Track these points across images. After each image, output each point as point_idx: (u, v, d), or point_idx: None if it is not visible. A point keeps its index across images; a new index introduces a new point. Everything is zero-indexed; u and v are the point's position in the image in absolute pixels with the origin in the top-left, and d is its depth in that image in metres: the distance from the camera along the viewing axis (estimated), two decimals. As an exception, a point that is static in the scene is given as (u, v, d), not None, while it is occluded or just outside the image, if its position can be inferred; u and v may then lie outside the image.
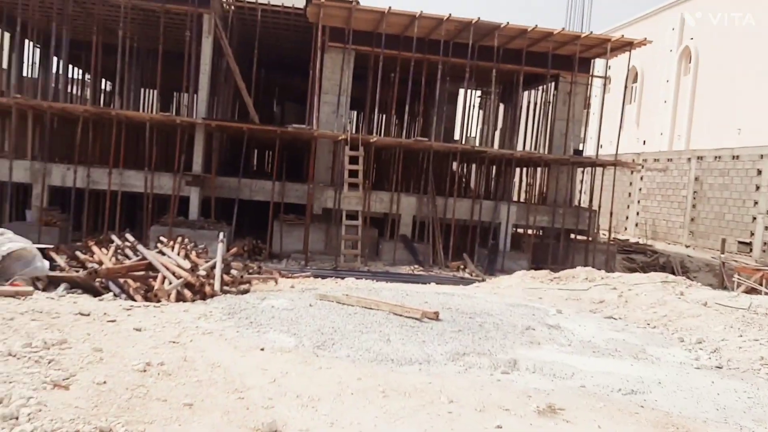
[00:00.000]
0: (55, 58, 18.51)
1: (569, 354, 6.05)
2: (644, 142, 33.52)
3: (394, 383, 4.63)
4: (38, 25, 17.44)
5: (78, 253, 8.48)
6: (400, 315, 6.61)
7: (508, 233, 17.54)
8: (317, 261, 16.14)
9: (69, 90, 23.34)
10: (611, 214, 18.76)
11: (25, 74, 19.25)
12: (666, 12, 34.74)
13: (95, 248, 8.48)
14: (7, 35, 18.52)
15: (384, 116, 19.88)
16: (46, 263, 7.27)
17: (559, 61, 18.07)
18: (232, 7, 18.23)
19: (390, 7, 15.62)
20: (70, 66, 22.64)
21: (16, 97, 15.31)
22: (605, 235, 20.35)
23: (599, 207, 18.23)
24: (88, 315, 5.51)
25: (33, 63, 19.53)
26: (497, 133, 21.77)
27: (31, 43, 18.13)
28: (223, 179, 16.98)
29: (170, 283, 7.17)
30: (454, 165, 18.50)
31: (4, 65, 18.78)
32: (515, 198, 20.84)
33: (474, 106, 22.84)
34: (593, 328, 7.17)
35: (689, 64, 34.67)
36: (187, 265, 7.51)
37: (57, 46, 15.76)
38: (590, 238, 18.17)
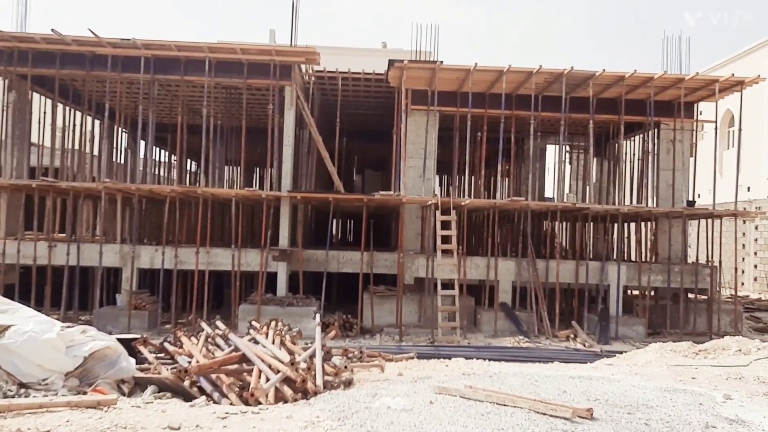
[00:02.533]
0: (141, 142, 18.78)
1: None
2: (748, 188, 31.03)
3: None
4: (126, 111, 17.80)
5: (166, 344, 7.79)
6: (544, 413, 5.40)
7: (619, 296, 15.90)
8: (412, 335, 15.03)
9: (155, 172, 23.81)
10: (735, 269, 16.84)
11: (114, 159, 19.63)
12: (762, 50, 32.74)
13: (184, 339, 7.77)
14: (97, 122, 18.98)
15: (472, 177, 18.97)
16: (132, 362, 6.57)
17: (659, 107, 16.75)
18: (313, 78, 18.09)
19: (476, 63, 14.92)
20: (156, 148, 23.16)
21: (105, 181, 15.37)
22: (725, 292, 18.34)
23: (720, 263, 16.37)
24: (178, 429, 4.65)
25: (122, 148, 19.94)
26: (590, 188, 20.39)
27: (120, 129, 18.49)
28: (310, 252, 16.35)
29: (267, 379, 6.28)
30: (552, 224, 17.18)
31: (95, 152, 19.19)
32: (616, 255, 19.18)
33: (564, 161, 21.62)
34: (783, 420, 5.70)
35: (794, 102, 32.27)
36: (284, 356, 6.62)
37: (143, 129, 15.87)
38: (712, 297, 16.27)
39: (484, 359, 10.04)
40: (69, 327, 6.18)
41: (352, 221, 33.91)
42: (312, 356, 6.97)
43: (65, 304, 14.83)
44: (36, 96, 17.13)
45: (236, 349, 7.13)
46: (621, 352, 12.54)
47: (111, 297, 16.21)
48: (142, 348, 7.52)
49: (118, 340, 8.26)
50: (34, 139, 17.74)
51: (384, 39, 63.78)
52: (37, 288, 14.71)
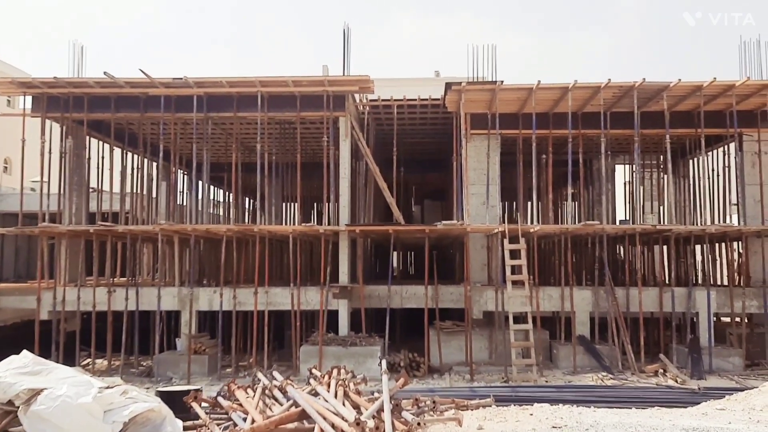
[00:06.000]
0: (197, 183, 18.64)
1: None
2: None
3: None
4: (181, 151, 17.69)
5: (220, 398, 7.14)
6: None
7: (710, 324, 14.49)
8: (483, 373, 14.02)
9: (213, 211, 23.73)
10: (843, 291, 15.14)
11: (171, 200, 19.54)
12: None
13: (239, 393, 7.10)
14: (153, 164, 18.98)
15: (539, 202, 17.95)
16: (179, 425, 5.92)
17: (741, 118, 15.43)
18: (367, 108, 17.62)
19: (539, 81, 14.07)
20: (213, 187, 23.11)
21: (161, 223, 15.13)
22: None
23: (823, 283, 14.75)
24: None
25: (179, 189, 19.86)
26: (667, 209, 19.01)
27: (176, 170, 18.40)
28: (372, 288, 15.64)
29: (330, 440, 5.52)
30: (630, 249, 15.95)
31: (154, 194, 19.17)
32: (701, 279, 17.69)
33: (635, 181, 20.32)
34: None
35: None
36: (349, 413, 5.84)
37: (199, 169, 15.65)
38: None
39: (570, 403, 8.98)
40: (108, 388, 5.60)
41: (412, 254, 33.12)
42: (380, 410, 6.16)
43: (125, 350, 14.55)
44: (93, 140, 17.21)
45: (295, 404, 6.41)
46: (722, 390, 11.23)
47: (171, 341, 15.88)
48: (194, 404, 6.90)
49: (172, 393, 7.70)
50: (93, 184, 17.81)
51: (435, 68, 63.55)
52: (97, 334, 14.49)
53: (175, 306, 15.10)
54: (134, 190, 18.18)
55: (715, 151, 17.79)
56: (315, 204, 26.68)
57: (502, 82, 14.49)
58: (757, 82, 14.40)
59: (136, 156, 18.23)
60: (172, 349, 15.52)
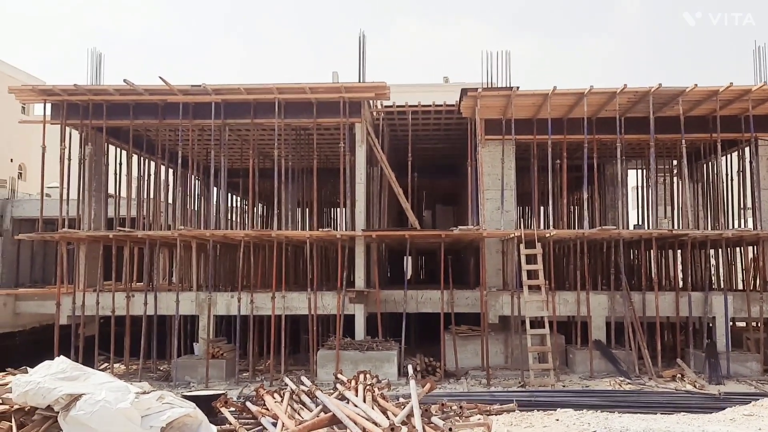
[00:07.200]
0: (214, 188, 18.78)
1: None
2: None
3: None
4: (198, 158, 17.86)
5: (249, 404, 7.22)
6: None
7: (727, 329, 14.46)
8: (500, 378, 14.06)
9: (229, 217, 23.87)
10: None
11: (189, 206, 19.71)
12: None
13: (267, 398, 7.18)
14: (170, 170, 19.15)
15: (554, 207, 18.00)
16: (213, 430, 5.99)
17: (757, 122, 15.43)
18: (381, 114, 17.73)
19: (555, 87, 14.13)
20: (229, 194, 23.24)
21: (180, 229, 15.27)
22: None
23: (841, 288, 14.71)
24: None
25: (195, 195, 20.02)
26: (682, 213, 19.01)
27: (193, 176, 18.56)
28: (387, 292, 15.71)
29: (363, 445, 5.60)
30: (647, 253, 15.94)
31: (170, 199, 19.33)
32: (717, 284, 17.66)
33: (648, 186, 20.34)
34: None
35: None
36: (381, 419, 5.92)
37: (216, 175, 15.79)
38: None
39: (592, 408, 9.03)
40: (144, 393, 5.69)
41: (423, 258, 33.15)
42: (410, 415, 6.24)
43: (143, 355, 14.67)
44: (111, 147, 17.40)
45: (325, 409, 6.49)
46: (742, 395, 11.23)
47: (189, 346, 15.99)
48: (223, 409, 6.98)
49: (197, 398, 7.79)
50: (111, 190, 17.99)
51: (441, 74, 63.70)
52: (116, 339, 14.62)
53: (193, 311, 15.21)
54: (152, 196, 18.33)
55: (729, 156, 17.80)
56: (331, 209, 26.79)
57: (518, 87, 14.56)
58: (774, 87, 14.41)
59: (153, 162, 18.40)
60: (190, 353, 15.63)
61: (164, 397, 5.75)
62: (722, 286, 16.36)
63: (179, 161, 15.98)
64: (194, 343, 15.55)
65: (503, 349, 15.18)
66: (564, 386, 13.19)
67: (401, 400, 7.76)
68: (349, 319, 15.14)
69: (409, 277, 27.83)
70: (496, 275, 16.18)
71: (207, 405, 7.46)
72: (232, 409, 7.32)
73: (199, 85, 14.78)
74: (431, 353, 15.05)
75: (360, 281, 15.43)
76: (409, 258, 29.03)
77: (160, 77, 14.37)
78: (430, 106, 17.31)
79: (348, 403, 6.75)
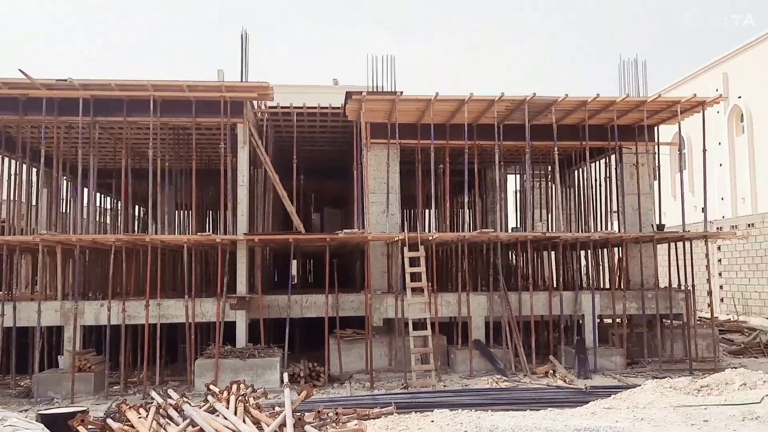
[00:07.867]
0: (84, 190, 17.58)
1: None
2: (702, 209, 31.45)
3: None
4: (65, 157, 16.66)
5: (110, 420, 6.71)
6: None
7: (594, 326, 15.36)
8: (383, 380, 14.09)
9: (101, 220, 22.47)
10: (710, 292, 16.52)
11: (55, 209, 18.31)
12: (708, 73, 33.50)
13: (130, 413, 6.70)
14: (31, 170, 17.75)
15: (437, 211, 18.37)
16: (66, 453, 5.50)
17: (620, 131, 16.53)
18: (266, 115, 17.34)
19: (437, 93, 14.41)
20: (101, 195, 21.89)
21: (42, 233, 14.12)
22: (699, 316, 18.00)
23: (693, 286, 16.01)
24: None
25: (62, 197, 18.64)
26: (555, 217, 20.05)
27: (60, 176, 17.26)
28: (271, 298, 15.35)
29: (231, 459, 5.33)
30: (524, 255, 16.62)
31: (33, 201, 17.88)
32: (586, 283, 18.74)
33: (525, 190, 21.29)
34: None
35: (741, 123, 33.05)
36: (250, 430, 5.66)
37: (84, 175, 14.76)
38: (688, 323, 15.89)
39: (468, 407, 9.20)
40: (-16, 416, 5.11)
41: (311, 261, 32.89)
42: (282, 425, 6.03)
43: (1, 370, 13.43)
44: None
45: (192, 423, 6.14)
46: (606, 388, 11.92)
47: (54, 359, 14.81)
48: (80, 428, 6.44)
49: (55, 416, 7.19)
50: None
51: (333, 75, 63.65)
52: (-34, 354, 13.30)
53: (58, 321, 14.12)
54: (11, 198, 16.87)
55: (598, 163, 18.94)
56: (211, 212, 25.89)
57: (402, 92, 14.71)
58: (635, 99, 15.48)
59: (13, 161, 16.96)
60: (54, 367, 14.49)
61: (7, 419, 5.19)
62: (591, 286, 17.33)
63: (43, 160, 14.77)
64: (59, 356, 14.43)
65: (387, 352, 15.25)
66: (445, 386, 13.42)
67: (277, 409, 7.53)
68: (231, 327, 14.63)
69: (296, 282, 27.49)
70: (382, 278, 16.26)
71: (65, 424, 6.88)
72: (91, 427, 6.78)
73: (65, 80, 13.76)
74: (316, 358, 14.85)
75: (242, 287, 14.96)
76: (295, 262, 28.73)
77: (20, 70, 13.26)
78: (315, 108, 17.14)
79: (218, 415, 6.43)
